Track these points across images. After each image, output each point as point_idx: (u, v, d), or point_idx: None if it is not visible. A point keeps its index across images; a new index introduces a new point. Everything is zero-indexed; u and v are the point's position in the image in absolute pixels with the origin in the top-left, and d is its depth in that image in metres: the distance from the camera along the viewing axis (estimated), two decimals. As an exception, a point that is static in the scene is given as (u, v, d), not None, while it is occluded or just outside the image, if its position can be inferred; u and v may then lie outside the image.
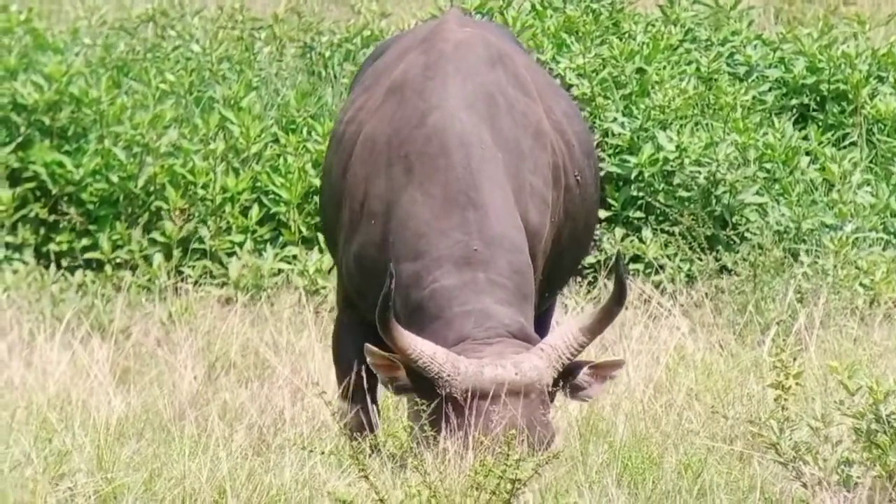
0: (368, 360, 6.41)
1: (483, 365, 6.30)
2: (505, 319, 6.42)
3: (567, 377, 6.41)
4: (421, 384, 6.35)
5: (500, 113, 6.71)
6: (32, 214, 9.87)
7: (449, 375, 6.30)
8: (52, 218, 9.85)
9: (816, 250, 9.31)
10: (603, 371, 6.47)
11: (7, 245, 9.80)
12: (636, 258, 9.50)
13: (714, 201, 9.60)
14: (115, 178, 9.82)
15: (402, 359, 6.33)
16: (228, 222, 9.78)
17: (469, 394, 6.29)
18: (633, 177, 9.69)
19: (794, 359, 6.34)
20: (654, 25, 10.39)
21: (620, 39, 10.17)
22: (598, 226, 9.59)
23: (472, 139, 6.60)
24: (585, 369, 6.43)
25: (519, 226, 6.58)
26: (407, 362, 6.32)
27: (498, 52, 6.89)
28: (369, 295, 6.55)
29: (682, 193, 9.61)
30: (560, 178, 6.87)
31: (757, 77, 10.28)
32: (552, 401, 6.43)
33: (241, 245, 9.73)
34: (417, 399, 6.35)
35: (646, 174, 9.66)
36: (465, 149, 6.57)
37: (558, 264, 6.93)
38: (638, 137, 9.77)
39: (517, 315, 6.45)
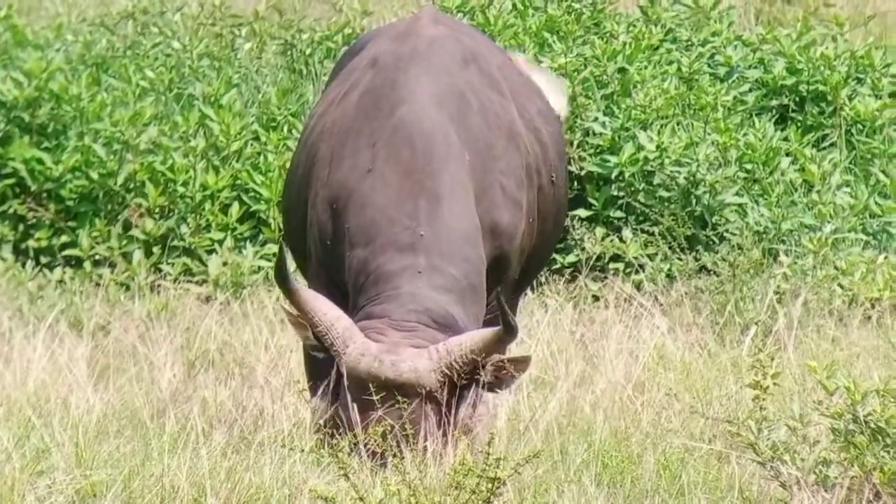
0: (285, 316, 6.48)
1: (364, 353, 6.32)
2: (429, 304, 6.42)
3: (470, 379, 6.39)
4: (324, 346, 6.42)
5: (471, 112, 6.73)
6: (11, 211, 9.84)
7: (337, 350, 6.36)
8: (31, 214, 9.83)
9: (796, 251, 9.34)
10: (511, 366, 6.46)
11: (-15, 241, 9.78)
12: (616, 258, 9.51)
13: (694, 201, 9.63)
14: (94, 175, 9.80)
15: (307, 321, 6.38)
16: (208, 220, 9.77)
17: (347, 377, 6.34)
18: (613, 176, 9.71)
19: (772, 359, 6.35)
20: (635, 26, 10.42)
21: (602, 39, 10.19)
22: (578, 225, 9.61)
23: (439, 135, 6.62)
24: (489, 367, 6.42)
25: (476, 222, 6.60)
26: (310, 326, 6.38)
27: (471, 51, 6.90)
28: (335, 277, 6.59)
29: (663, 193, 9.63)
30: (533, 179, 6.89)
31: (737, 77, 10.31)
32: (449, 403, 6.39)
33: (220, 242, 9.72)
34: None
35: (626, 174, 9.68)
36: (429, 143, 6.60)
37: (527, 263, 6.94)
38: (619, 137, 9.78)
39: (450, 303, 6.45)
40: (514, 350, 6.96)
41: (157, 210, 9.75)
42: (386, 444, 6.17)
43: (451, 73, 6.77)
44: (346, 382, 6.36)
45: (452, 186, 6.57)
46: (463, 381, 6.40)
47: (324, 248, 6.71)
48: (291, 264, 6.96)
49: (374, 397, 6.29)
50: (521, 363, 6.47)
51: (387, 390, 6.32)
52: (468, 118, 6.71)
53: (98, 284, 9.44)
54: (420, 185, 6.54)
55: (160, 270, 9.61)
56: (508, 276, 6.80)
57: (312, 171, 6.79)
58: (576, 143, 9.80)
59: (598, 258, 9.51)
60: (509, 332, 6.37)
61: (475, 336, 6.40)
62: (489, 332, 6.41)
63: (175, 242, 9.72)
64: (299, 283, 6.62)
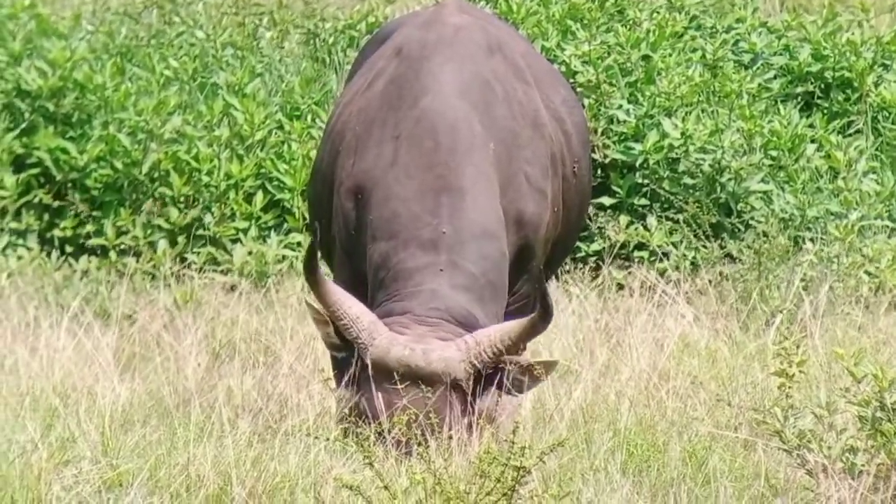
0: (308, 312, 6.48)
1: (394, 342, 6.32)
2: (450, 303, 6.41)
3: (495, 373, 6.38)
4: (347, 343, 6.40)
5: (497, 101, 6.71)
6: (37, 200, 9.87)
7: (363, 343, 6.34)
8: (56, 204, 9.86)
9: (821, 238, 9.30)
10: (536, 372, 6.43)
11: (11, 231, 9.80)
12: (641, 246, 9.49)
13: (719, 188, 9.60)
14: (119, 165, 9.82)
15: (331, 315, 6.37)
16: (233, 209, 9.78)
17: (374, 366, 6.32)
18: (638, 164, 9.69)
19: (798, 346, 6.33)
20: (658, 12, 10.38)
21: (626, 26, 10.16)
22: (602, 213, 9.59)
23: (462, 125, 6.60)
24: (516, 368, 6.41)
25: (499, 215, 6.57)
26: (333, 319, 6.36)
27: (497, 40, 6.88)
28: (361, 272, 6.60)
29: (687, 181, 9.60)
30: (558, 168, 6.86)
31: (762, 64, 10.27)
32: (474, 394, 6.38)
33: (245, 232, 9.73)
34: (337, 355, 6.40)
35: (651, 161, 9.66)
36: (453, 134, 6.58)
37: (551, 253, 6.92)
38: (643, 124, 9.76)
39: (470, 302, 6.44)
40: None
41: (181, 199, 9.77)
42: (411, 433, 6.17)
43: (476, 61, 6.75)
44: (371, 374, 6.35)
45: (476, 178, 6.55)
46: (489, 370, 6.39)
47: (348, 237, 6.70)
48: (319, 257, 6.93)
49: (401, 386, 6.28)
50: (548, 367, 6.46)
51: (415, 379, 6.31)
52: (493, 107, 6.69)
53: (123, 274, 9.46)
54: (443, 180, 6.52)
55: (185, 260, 9.63)
56: (534, 267, 6.77)
57: (337, 160, 6.78)
58: (600, 130, 9.78)
59: (623, 246, 9.49)
60: (546, 317, 6.34)
61: (505, 327, 6.39)
62: (521, 322, 6.39)
63: (200, 232, 9.73)
64: (326, 277, 6.60)
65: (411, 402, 6.28)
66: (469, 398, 6.37)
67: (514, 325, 6.39)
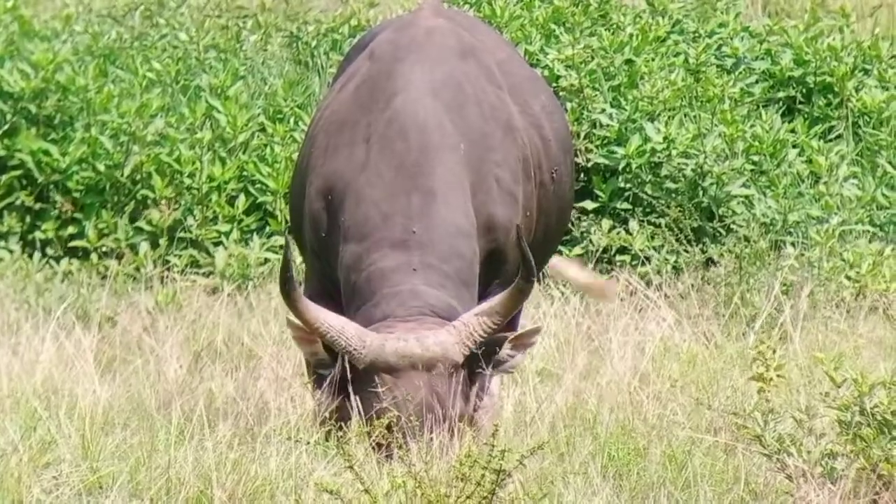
0: (290, 332, 6.45)
1: (386, 338, 6.33)
2: (431, 300, 6.43)
3: (490, 353, 6.42)
4: (334, 359, 6.40)
5: (468, 103, 6.72)
6: (18, 202, 9.85)
7: (355, 349, 6.34)
8: (38, 206, 9.84)
9: (803, 242, 9.33)
10: (523, 341, 6.50)
11: (-8, 233, 9.80)
12: (623, 250, 9.51)
13: (701, 193, 9.62)
14: (101, 167, 9.81)
15: (314, 331, 6.37)
16: (215, 211, 9.78)
17: (372, 367, 6.32)
18: (620, 168, 9.70)
19: (774, 351, 6.34)
20: (641, 17, 10.40)
21: (609, 31, 10.18)
22: (585, 217, 9.60)
23: (432, 126, 6.60)
24: (507, 344, 6.45)
25: (469, 214, 6.58)
26: (318, 335, 6.36)
27: (470, 44, 6.89)
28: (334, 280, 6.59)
29: (670, 185, 9.62)
30: (532, 174, 6.86)
31: (744, 69, 10.29)
32: (472, 377, 6.42)
33: (227, 234, 9.72)
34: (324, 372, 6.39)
35: (633, 165, 9.67)
36: (422, 134, 6.58)
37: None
38: (626, 129, 9.77)
39: (448, 297, 6.45)
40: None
41: (163, 201, 9.75)
42: (422, 421, 6.18)
43: (448, 63, 6.76)
44: (370, 374, 6.31)
45: (446, 178, 6.55)
46: (478, 365, 6.40)
47: (318, 239, 6.70)
48: (297, 274, 6.93)
49: (404, 376, 6.26)
50: (532, 335, 6.49)
51: (414, 368, 6.31)
52: (464, 108, 6.70)
53: (104, 276, 9.45)
54: (413, 180, 6.52)
55: (167, 262, 9.62)
56: (506, 271, 6.78)
57: (310, 161, 6.79)
58: (582, 134, 9.80)
59: (605, 250, 9.50)
60: (529, 280, 6.35)
61: (490, 304, 6.41)
62: (505, 293, 6.41)
63: (182, 234, 9.73)
64: (304, 295, 6.58)
65: (419, 387, 6.27)
66: (467, 381, 6.39)
67: (499, 299, 6.41)
